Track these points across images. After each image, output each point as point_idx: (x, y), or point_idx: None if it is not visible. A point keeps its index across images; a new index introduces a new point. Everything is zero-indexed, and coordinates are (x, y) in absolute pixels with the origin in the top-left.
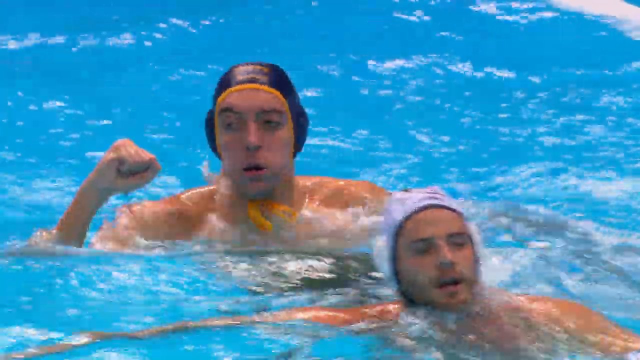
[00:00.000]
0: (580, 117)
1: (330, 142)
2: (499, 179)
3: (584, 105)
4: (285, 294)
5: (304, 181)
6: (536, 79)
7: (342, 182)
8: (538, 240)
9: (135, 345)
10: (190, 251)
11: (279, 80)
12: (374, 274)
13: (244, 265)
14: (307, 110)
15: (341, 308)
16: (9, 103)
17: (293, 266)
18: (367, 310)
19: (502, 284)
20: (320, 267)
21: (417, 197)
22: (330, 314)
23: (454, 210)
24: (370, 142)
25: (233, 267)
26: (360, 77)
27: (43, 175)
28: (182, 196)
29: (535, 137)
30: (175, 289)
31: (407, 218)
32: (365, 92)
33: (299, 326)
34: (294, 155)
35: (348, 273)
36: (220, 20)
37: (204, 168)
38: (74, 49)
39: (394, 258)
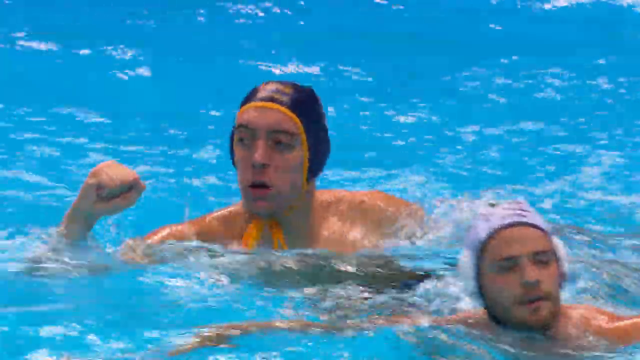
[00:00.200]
0: None
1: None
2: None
3: None
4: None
5: (321, 196)
6: None
7: (357, 195)
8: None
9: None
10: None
11: (300, 102)
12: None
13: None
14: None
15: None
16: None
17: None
18: (454, 317)
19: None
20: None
21: (502, 213)
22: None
23: (539, 227)
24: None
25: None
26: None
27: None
28: (207, 217)
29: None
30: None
31: (491, 236)
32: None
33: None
34: (309, 179)
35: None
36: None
37: (185, 214)
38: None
39: (477, 274)
